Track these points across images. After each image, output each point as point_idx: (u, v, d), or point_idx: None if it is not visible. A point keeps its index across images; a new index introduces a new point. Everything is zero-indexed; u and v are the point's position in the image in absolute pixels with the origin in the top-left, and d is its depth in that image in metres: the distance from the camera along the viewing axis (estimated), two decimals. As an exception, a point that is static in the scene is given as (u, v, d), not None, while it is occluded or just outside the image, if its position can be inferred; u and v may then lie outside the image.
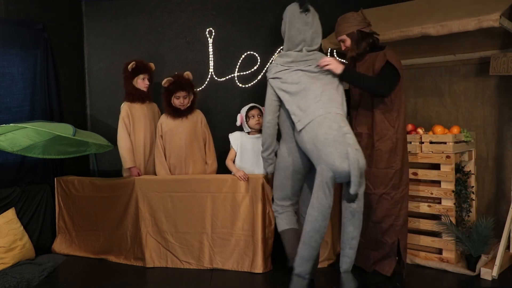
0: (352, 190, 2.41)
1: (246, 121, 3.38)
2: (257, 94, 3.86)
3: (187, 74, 3.57)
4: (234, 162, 3.41)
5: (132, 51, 4.21)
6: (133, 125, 3.63)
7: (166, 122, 3.55)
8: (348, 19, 2.86)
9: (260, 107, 3.38)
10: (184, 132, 3.53)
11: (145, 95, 3.71)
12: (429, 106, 3.92)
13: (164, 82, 3.47)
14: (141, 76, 3.67)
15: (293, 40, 2.78)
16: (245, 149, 3.39)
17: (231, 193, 3.24)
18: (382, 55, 2.79)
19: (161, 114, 3.68)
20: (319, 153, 2.50)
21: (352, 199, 2.48)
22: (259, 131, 3.33)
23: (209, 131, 3.67)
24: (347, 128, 2.54)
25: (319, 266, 3.20)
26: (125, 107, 3.63)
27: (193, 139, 3.57)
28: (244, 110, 3.42)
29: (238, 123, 3.45)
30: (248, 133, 3.43)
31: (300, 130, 2.62)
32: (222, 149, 3.60)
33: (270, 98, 2.78)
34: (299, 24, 2.75)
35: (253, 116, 3.36)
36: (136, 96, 3.65)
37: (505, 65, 3.14)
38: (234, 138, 3.43)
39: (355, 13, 2.88)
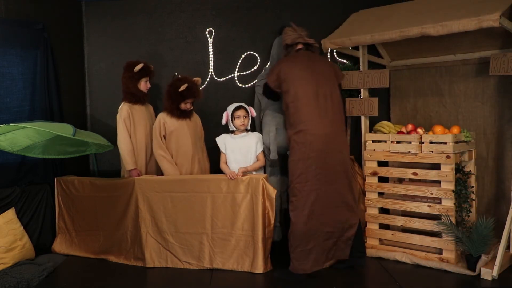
0: (270, 156, 3.42)
1: (232, 120, 3.38)
2: (257, 94, 3.86)
3: (198, 80, 3.59)
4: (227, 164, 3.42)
5: (132, 51, 4.21)
6: (134, 126, 3.63)
7: (170, 122, 3.52)
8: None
9: (247, 106, 3.38)
10: (190, 132, 3.54)
11: (146, 97, 3.73)
12: (429, 106, 3.92)
13: (182, 88, 3.41)
14: (145, 78, 3.67)
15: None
16: (231, 150, 3.39)
17: (231, 193, 3.24)
18: None
19: (157, 113, 3.67)
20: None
21: (272, 164, 3.54)
22: (244, 130, 3.39)
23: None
24: (279, 116, 3.48)
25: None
26: (125, 108, 3.61)
27: (197, 139, 3.62)
28: (230, 109, 3.40)
29: (223, 122, 3.43)
30: (234, 132, 3.43)
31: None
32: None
33: (256, 98, 3.82)
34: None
35: (238, 117, 3.36)
36: (138, 97, 3.65)
37: (505, 65, 3.13)
38: (220, 141, 3.44)
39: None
